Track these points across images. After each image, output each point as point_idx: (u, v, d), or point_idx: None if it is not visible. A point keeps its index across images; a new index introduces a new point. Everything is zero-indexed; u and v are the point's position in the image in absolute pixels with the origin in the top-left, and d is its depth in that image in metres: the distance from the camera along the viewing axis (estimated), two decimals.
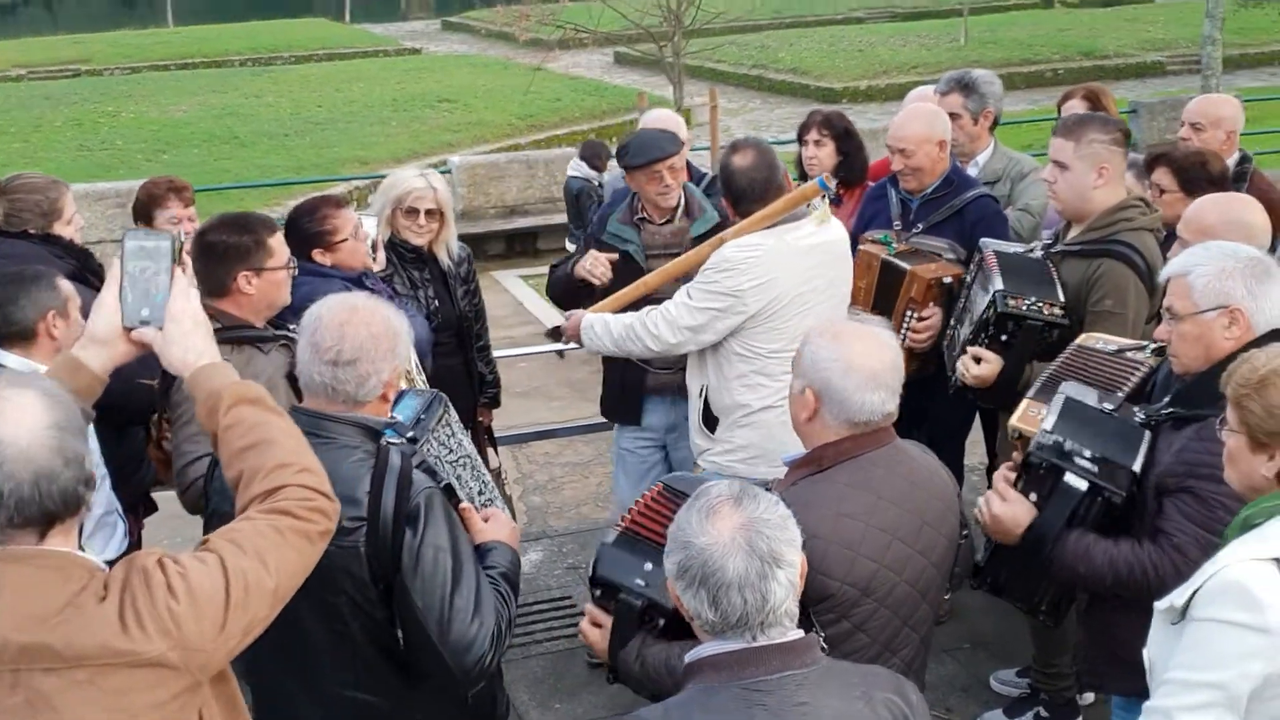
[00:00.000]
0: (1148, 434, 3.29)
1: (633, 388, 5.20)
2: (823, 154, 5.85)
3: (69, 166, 17.56)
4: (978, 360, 4.28)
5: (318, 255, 4.52)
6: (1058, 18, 34.80)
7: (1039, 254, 4.47)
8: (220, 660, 2.24)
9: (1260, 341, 3.02)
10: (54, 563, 2.15)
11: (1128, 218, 4.34)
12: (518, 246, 13.36)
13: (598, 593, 3.05)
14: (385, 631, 2.91)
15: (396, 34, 41.26)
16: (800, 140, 5.95)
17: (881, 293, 4.95)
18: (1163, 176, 4.89)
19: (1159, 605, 2.68)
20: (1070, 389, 3.48)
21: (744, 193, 4.45)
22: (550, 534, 6.57)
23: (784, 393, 4.18)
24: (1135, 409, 3.38)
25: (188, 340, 2.53)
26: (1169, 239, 4.67)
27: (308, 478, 2.42)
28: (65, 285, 4.07)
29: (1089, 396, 3.47)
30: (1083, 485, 3.21)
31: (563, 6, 20.77)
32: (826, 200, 4.50)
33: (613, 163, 6.28)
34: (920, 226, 5.09)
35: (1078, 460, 3.22)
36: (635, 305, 4.74)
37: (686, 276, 4.58)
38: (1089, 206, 4.37)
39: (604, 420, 5.80)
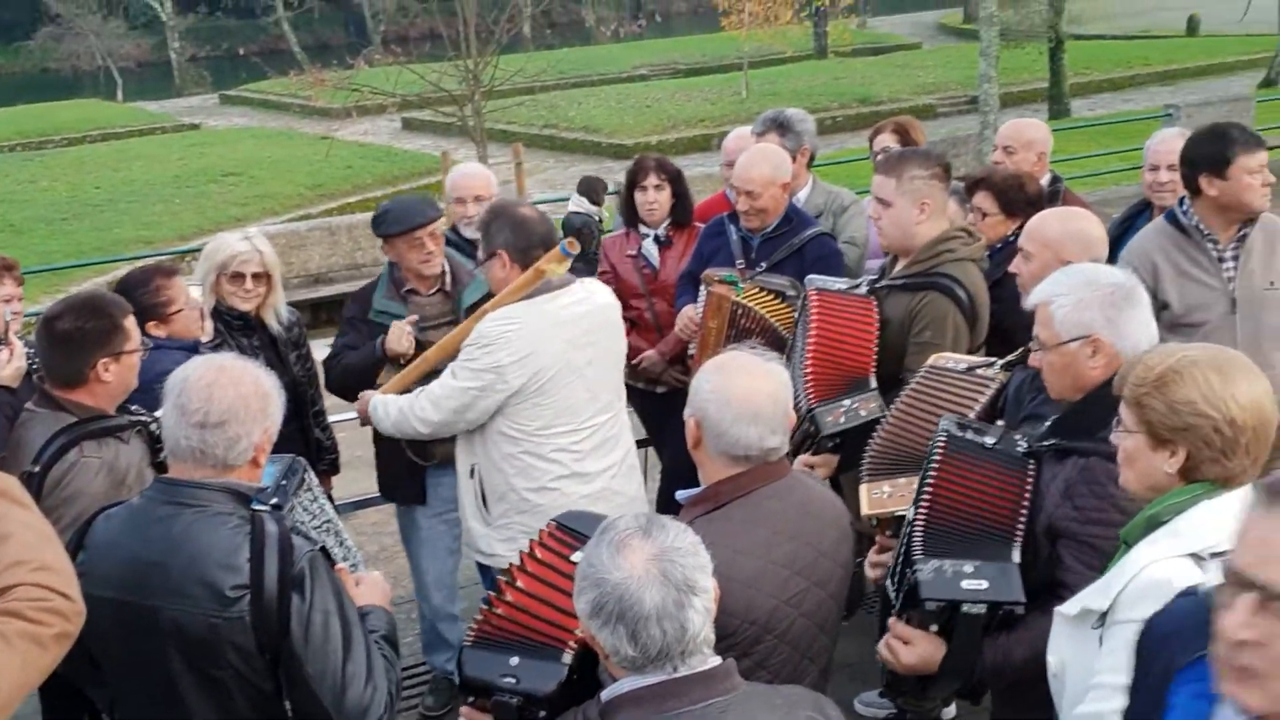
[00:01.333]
0: (1030, 466, 3.18)
1: (415, 464, 5.02)
2: (662, 197, 5.86)
3: None
4: (811, 466, 4.12)
5: (152, 328, 4.32)
6: (832, 67, 36.08)
7: (864, 290, 4.50)
8: None
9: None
10: None
11: (950, 249, 4.40)
12: (323, 315, 13.06)
13: (470, 699, 2.89)
14: (272, 704, 2.78)
15: (173, 110, 40.22)
16: (635, 186, 5.93)
17: (737, 336, 4.89)
18: (984, 200, 5.05)
19: (1067, 610, 2.66)
20: (946, 423, 3.34)
21: (541, 240, 4.27)
22: (397, 600, 6.34)
23: (554, 473, 4.25)
24: (1018, 438, 3.28)
25: None
26: (993, 255, 4.82)
27: (44, 576, 2.30)
28: None
29: (963, 430, 3.32)
30: (981, 609, 2.99)
31: (358, 71, 20.54)
32: (566, 262, 4.37)
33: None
34: (763, 265, 5.13)
35: (965, 585, 2.98)
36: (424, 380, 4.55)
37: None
38: (913, 241, 4.42)
39: None
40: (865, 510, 3.59)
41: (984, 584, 2.95)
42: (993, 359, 3.89)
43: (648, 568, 2.23)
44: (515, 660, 2.81)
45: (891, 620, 3.14)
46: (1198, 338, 4.47)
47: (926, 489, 3.19)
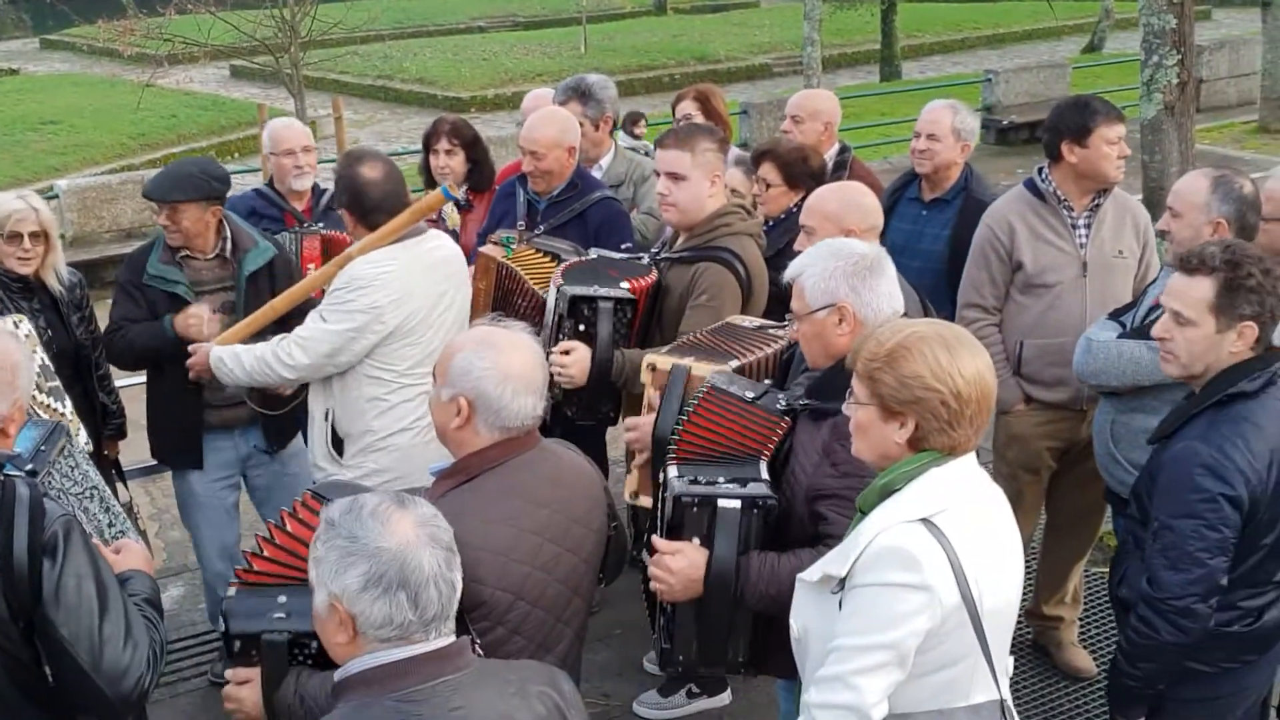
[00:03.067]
0: (785, 419, 3.41)
1: (192, 428, 4.97)
2: (454, 163, 5.86)
3: None
4: (566, 353, 4.32)
5: None
6: (670, 24, 36.15)
7: (646, 261, 4.61)
8: None
9: None
10: None
11: (727, 223, 4.51)
12: None
13: (237, 646, 2.90)
14: (30, 672, 2.78)
15: None
16: (429, 150, 5.94)
17: (501, 297, 4.99)
18: (769, 171, 5.19)
19: (807, 577, 2.78)
20: (714, 376, 3.55)
21: (377, 205, 4.31)
22: (191, 568, 6.28)
23: (419, 414, 4.25)
24: (780, 395, 3.51)
25: None
26: (774, 228, 4.97)
27: None
28: None
29: (730, 383, 3.55)
30: (736, 505, 3.21)
31: (169, 20, 19.83)
32: (454, 208, 4.49)
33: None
34: (543, 228, 5.18)
35: (719, 489, 3.24)
36: (264, 334, 4.55)
37: (315, 299, 4.48)
38: (702, 215, 4.51)
39: None
40: (649, 356, 3.84)
41: (735, 486, 3.21)
42: (784, 322, 3.99)
43: (417, 533, 2.30)
44: (284, 598, 2.85)
45: (654, 538, 3.31)
46: (1049, 298, 4.81)
47: (682, 428, 3.43)
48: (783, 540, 3.27)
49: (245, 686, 2.90)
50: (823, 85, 16.46)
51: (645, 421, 3.76)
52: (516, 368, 2.95)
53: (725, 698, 5.04)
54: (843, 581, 2.65)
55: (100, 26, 23.37)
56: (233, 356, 4.48)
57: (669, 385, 3.48)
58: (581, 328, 4.33)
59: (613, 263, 4.57)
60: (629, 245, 5.08)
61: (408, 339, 4.31)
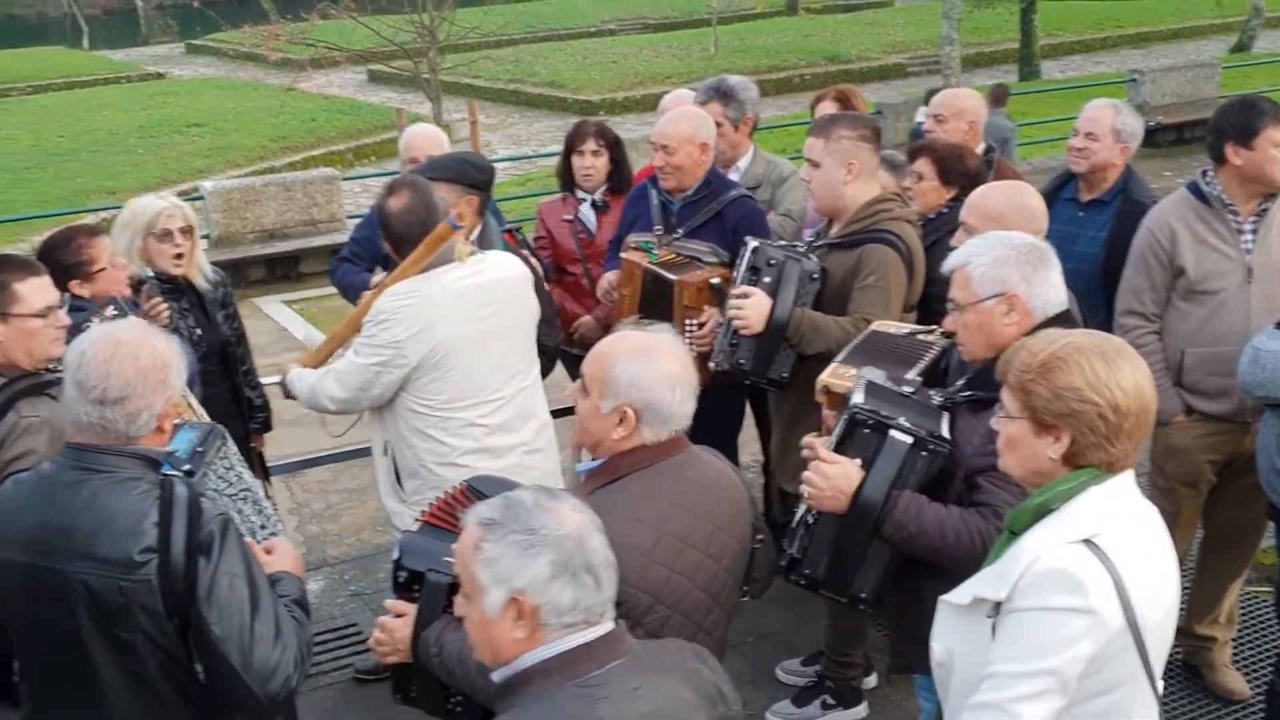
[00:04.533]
0: (946, 416, 3.37)
1: None
2: (599, 163, 5.85)
3: None
4: (744, 295, 4.35)
5: (75, 287, 4.34)
6: (802, 24, 35.93)
7: (802, 247, 4.56)
8: None
9: (1042, 328, 3.11)
10: None
11: (886, 209, 4.48)
12: (278, 271, 12.95)
13: (402, 577, 2.99)
14: (183, 669, 2.84)
15: (138, 59, 39.74)
16: (573, 151, 5.91)
17: (646, 301, 4.96)
18: (924, 165, 5.10)
19: (953, 599, 2.69)
20: (868, 373, 3.53)
21: (401, 237, 4.28)
22: (330, 562, 6.38)
23: (464, 448, 4.27)
24: (932, 392, 3.46)
25: None
26: (927, 225, 4.87)
27: None
28: None
29: (881, 379, 3.53)
30: (908, 440, 3.25)
31: (313, 25, 20.28)
32: (464, 241, 4.41)
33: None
34: (681, 231, 5.13)
35: (899, 420, 3.28)
36: None
37: None
38: (842, 202, 4.49)
39: None
40: (824, 376, 3.76)
41: (913, 428, 3.26)
42: (933, 327, 3.97)
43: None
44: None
45: (818, 444, 3.38)
46: (1212, 305, 4.65)
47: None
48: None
49: (400, 620, 2.97)
50: (960, 85, 16.16)
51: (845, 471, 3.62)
52: (676, 374, 2.94)
53: (861, 710, 4.94)
54: (998, 605, 2.56)
55: (246, 32, 24.00)
56: (298, 379, 4.55)
57: (881, 456, 3.34)
58: (767, 280, 4.35)
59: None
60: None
61: (437, 372, 4.25)
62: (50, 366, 3.70)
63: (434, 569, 2.91)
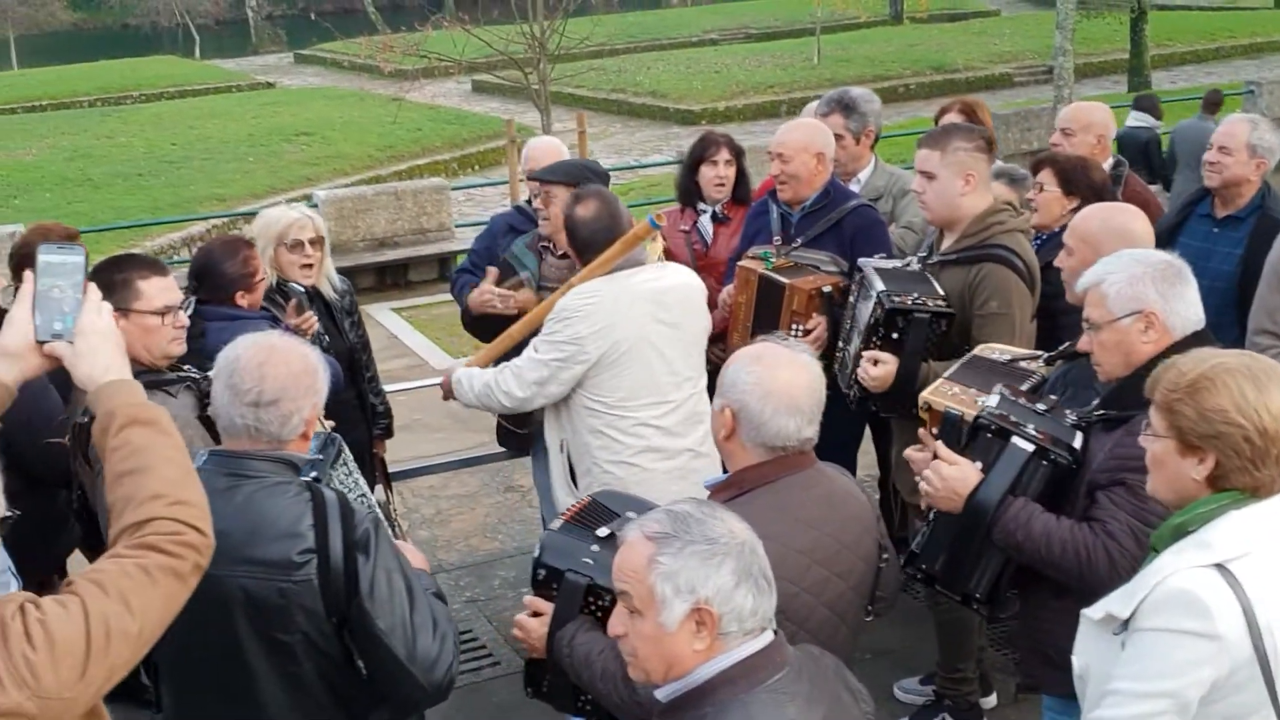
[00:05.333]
0: (1080, 435, 3.34)
1: (521, 416, 5.09)
2: (730, 173, 5.85)
3: None
4: (875, 363, 4.31)
5: (239, 298, 4.44)
6: (907, 33, 35.68)
7: (916, 267, 4.52)
8: (82, 706, 2.15)
9: (1181, 346, 3.08)
10: None
11: (999, 221, 4.43)
12: (388, 279, 13.15)
13: (540, 575, 3.03)
14: (337, 670, 2.90)
15: (248, 68, 40.61)
16: (702, 162, 5.90)
17: (762, 308, 4.96)
18: (1046, 176, 5.02)
19: (1091, 614, 2.67)
20: (1001, 388, 3.52)
21: (587, 244, 4.42)
22: (445, 568, 6.44)
23: (637, 447, 4.35)
24: (1067, 411, 3.43)
25: (96, 355, 2.45)
26: (1044, 243, 4.80)
27: (181, 510, 2.32)
28: None
29: (1017, 398, 3.50)
30: (1029, 447, 3.25)
31: (425, 36, 20.59)
32: (659, 241, 4.49)
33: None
34: (800, 241, 5.12)
35: (1025, 429, 3.27)
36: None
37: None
38: (958, 213, 4.45)
39: (491, 452, 5.76)
40: (925, 393, 3.76)
41: (1039, 436, 3.26)
42: (1037, 353, 3.91)
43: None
44: (597, 547, 2.95)
45: (939, 443, 3.41)
46: None
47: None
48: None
49: (537, 619, 3.01)
50: (1072, 96, 15.91)
51: (924, 458, 3.62)
52: (781, 386, 2.91)
53: None
54: (1125, 623, 2.54)
55: (362, 43, 24.41)
56: (468, 380, 4.64)
57: (1001, 461, 3.34)
58: (895, 336, 4.30)
59: (918, 274, 4.50)
60: (884, 256, 4.96)
61: (613, 370, 4.33)
62: (176, 365, 3.84)
63: (573, 569, 2.94)
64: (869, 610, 3.18)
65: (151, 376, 3.74)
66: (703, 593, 2.22)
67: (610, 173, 5.65)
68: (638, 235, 4.38)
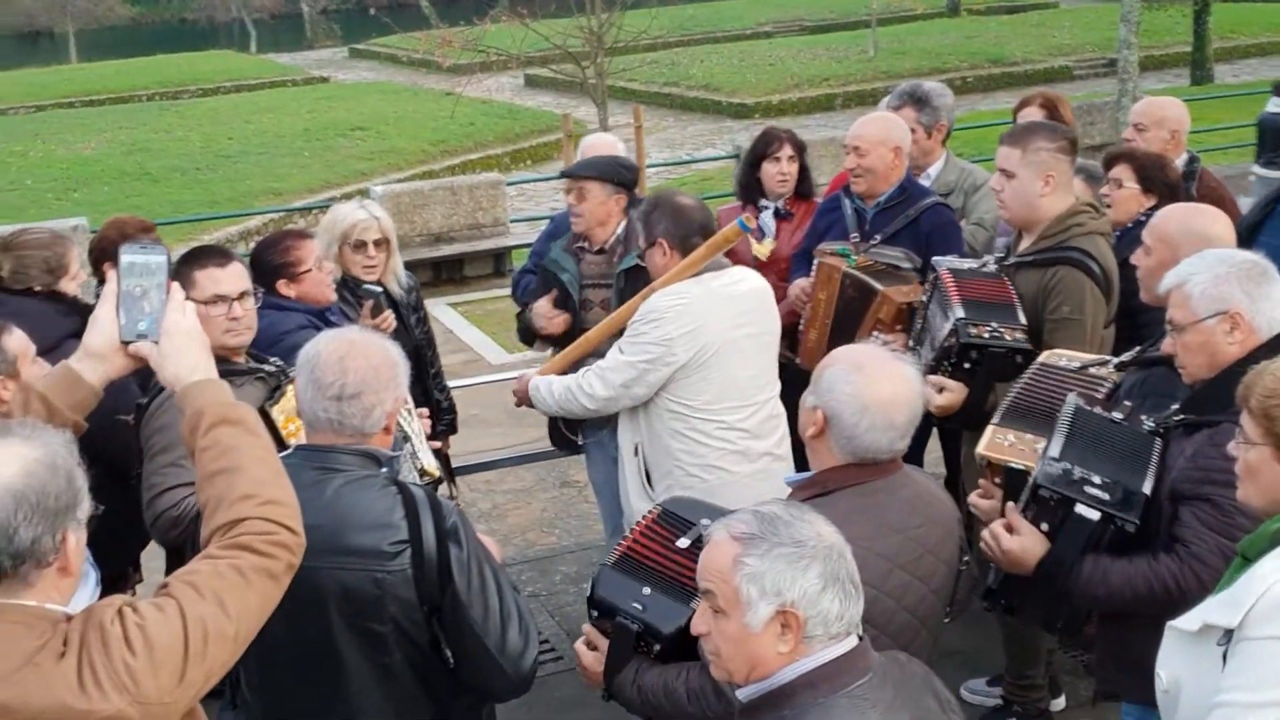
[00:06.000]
0: (1158, 442, 3.26)
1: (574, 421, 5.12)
2: (793, 169, 5.80)
3: None
4: (940, 390, 4.22)
5: (282, 287, 4.47)
6: (964, 25, 35.36)
7: (992, 268, 4.43)
8: (181, 709, 2.18)
9: (1268, 346, 3.02)
10: (17, 617, 2.10)
11: (1079, 223, 4.33)
12: (444, 274, 13.19)
13: (595, 614, 3.06)
14: (427, 659, 2.92)
15: (303, 63, 40.92)
16: (764, 158, 5.85)
17: (844, 307, 4.90)
18: (1123, 172, 4.94)
19: (1182, 625, 2.61)
20: (1074, 397, 3.44)
21: (700, 228, 4.40)
22: (505, 562, 6.40)
23: (720, 449, 4.33)
24: (1144, 417, 3.35)
25: (182, 355, 2.50)
26: (1121, 239, 4.71)
27: (272, 510, 2.35)
28: (13, 344, 3.87)
29: (1086, 404, 3.42)
30: (1095, 515, 3.13)
31: (484, 30, 20.66)
32: (754, 240, 4.46)
33: None
34: (878, 238, 5.06)
35: (1088, 489, 3.14)
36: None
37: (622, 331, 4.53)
38: (1037, 214, 4.36)
39: (547, 448, 5.78)
40: (981, 449, 3.65)
41: (1105, 495, 3.11)
42: (1106, 357, 3.86)
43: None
44: (648, 590, 2.95)
45: (1009, 506, 3.28)
46: None
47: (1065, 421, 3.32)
48: (1136, 538, 3.15)
49: (592, 655, 3.04)
50: (1137, 90, 15.67)
51: (991, 507, 3.54)
52: (881, 399, 2.87)
53: None
54: (1228, 632, 2.47)
55: (420, 38, 24.50)
56: (546, 386, 4.64)
57: (1066, 530, 3.20)
58: (966, 366, 4.21)
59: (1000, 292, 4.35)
60: (956, 255, 4.90)
61: (700, 372, 4.31)
62: (259, 357, 3.89)
63: (623, 615, 2.96)
64: (947, 613, 3.14)
65: (222, 366, 3.76)
66: (788, 596, 2.21)
67: (664, 167, 5.64)
68: (726, 237, 4.36)
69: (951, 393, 4.22)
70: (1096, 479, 3.15)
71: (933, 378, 4.23)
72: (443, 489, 5.29)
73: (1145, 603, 3.12)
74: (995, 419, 3.77)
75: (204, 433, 2.40)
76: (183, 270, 3.78)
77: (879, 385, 2.88)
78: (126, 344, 2.47)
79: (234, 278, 3.88)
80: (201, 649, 2.15)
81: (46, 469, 2.12)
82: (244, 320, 3.85)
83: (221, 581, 2.23)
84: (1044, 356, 4.02)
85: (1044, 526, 3.18)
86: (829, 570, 2.22)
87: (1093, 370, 3.86)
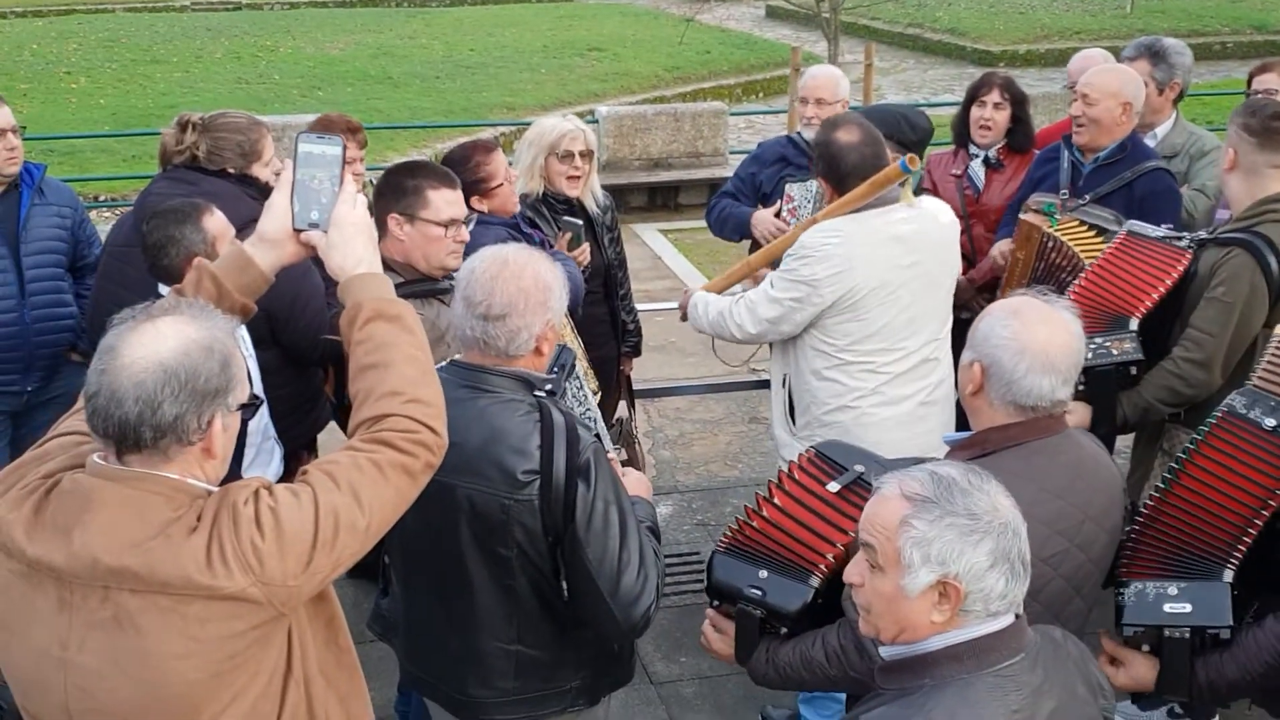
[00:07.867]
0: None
1: None
2: (1000, 117, 5.66)
3: (226, 99, 17.83)
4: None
5: (475, 203, 4.49)
6: None
7: (1185, 243, 4.18)
8: (306, 594, 2.22)
9: None
10: (157, 487, 2.14)
11: (1275, 209, 4.07)
12: (659, 200, 13.25)
13: (716, 601, 3.08)
14: (549, 585, 2.95)
15: None
16: (974, 101, 5.73)
17: (1044, 269, 4.70)
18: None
19: None
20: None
21: (852, 170, 4.23)
22: (680, 489, 6.52)
23: (859, 391, 4.25)
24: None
25: (349, 246, 2.49)
26: None
27: (416, 409, 2.36)
28: (213, 225, 4.02)
29: (1250, 406, 3.10)
30: (1184, 634, 2.89)
31: None
32: (908, 184, 4.28)
33: None
34: (1088, 197, 4.87)
35: (1167, 609, 2.91)
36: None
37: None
38: (1250, 198, 4.11)
39: (740, 380, 5.74)
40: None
41: (1187, 608, 2.87)
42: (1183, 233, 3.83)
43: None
44: (764, 574, 2.93)
45: (1103, 637, 3.07)
46: None
47: (1164, 488, 3.05)
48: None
49: (719, 637, 3.06)
50: None
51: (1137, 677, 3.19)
52: (1038, 343, 2.77)
53: None
54: None
55: None
56: (704, 304, 4.61)
57: (1167, 651, 2.95)
58: (1080, 388, 4.00)
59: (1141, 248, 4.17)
60: (1170, 225, 4.68)
61: (850, 313, 4.21)
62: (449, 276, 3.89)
63: (743, 601, 2.96)
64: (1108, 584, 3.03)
65: (427, 285, 3.86)
66: (953, 568, 2.13)
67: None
68: (888, 177, 4.20)
69: (1073, 414, 4.02)
70: (1172, 590, 2.91)
71: None
72: (622, 409, 5.41)
73: (1275, 674, 2.89)
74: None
75: (360, 326, 2.42)
76: (412, 184, 3.83)
77: (1036, 329, 2.78)
78: (299, 231, 2.49)
79: (462, 201, 3.94)
80: (331, 538, 2.18)
81: (202, 350, 2.15)
82: (461, 244, 3.90)
83: (359, 474, 2.25)
84: (1130, 225, 4.07)
85: (1145, 647, 2.97)
86: (1000, 548, 2.14)
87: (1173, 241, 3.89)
